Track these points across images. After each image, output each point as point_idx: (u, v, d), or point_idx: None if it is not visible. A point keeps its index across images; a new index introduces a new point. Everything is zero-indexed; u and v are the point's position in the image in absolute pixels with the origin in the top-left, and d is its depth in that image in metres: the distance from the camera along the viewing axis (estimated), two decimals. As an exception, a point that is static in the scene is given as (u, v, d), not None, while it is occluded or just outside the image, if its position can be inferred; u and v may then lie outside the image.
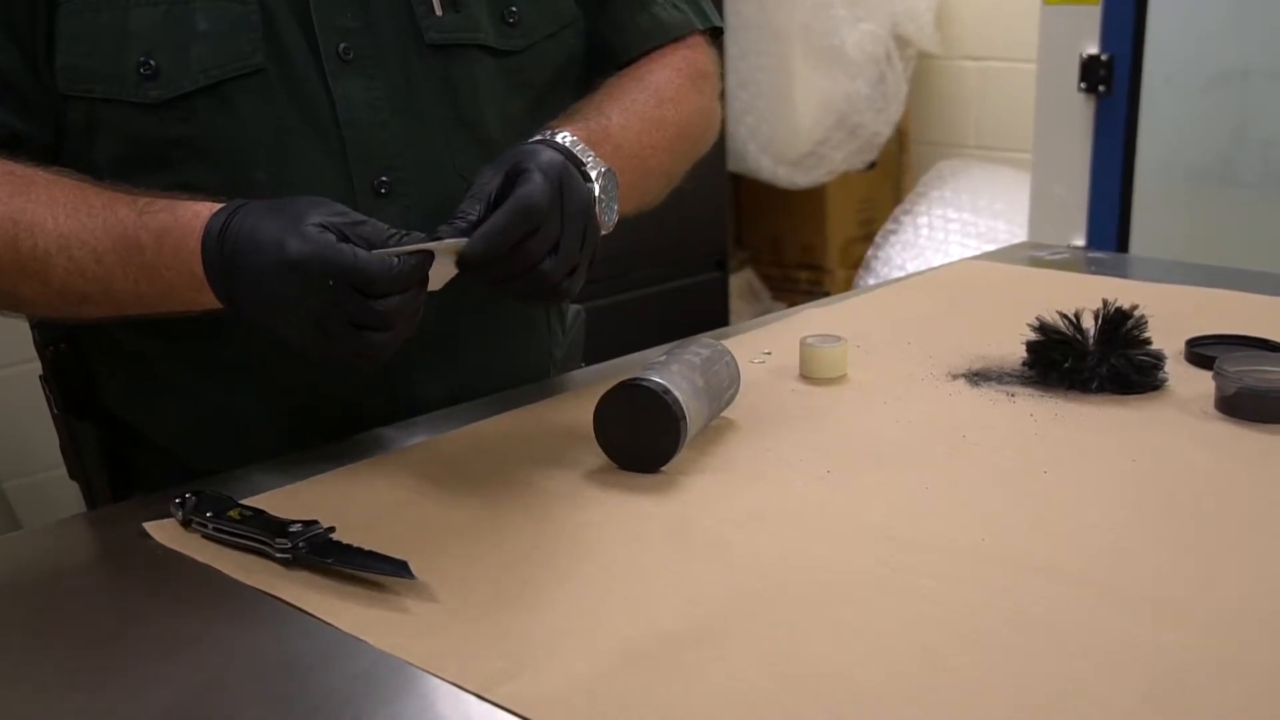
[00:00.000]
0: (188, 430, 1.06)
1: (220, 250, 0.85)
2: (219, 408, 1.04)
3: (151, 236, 0.88)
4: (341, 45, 0.97)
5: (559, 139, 0.94)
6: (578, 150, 0.94)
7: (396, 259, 0.82)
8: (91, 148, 0.97)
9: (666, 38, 1.13)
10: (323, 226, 0.82)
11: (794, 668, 0.63)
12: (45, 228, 0.90)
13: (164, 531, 0.82)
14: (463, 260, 0.85)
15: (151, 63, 0.93)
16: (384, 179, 0.99)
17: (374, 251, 0.81)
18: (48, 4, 0.93)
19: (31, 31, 0.94)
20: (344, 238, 0.82)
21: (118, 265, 0.89)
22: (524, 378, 1.12)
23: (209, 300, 0.87)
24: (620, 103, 1.06)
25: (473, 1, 1.02)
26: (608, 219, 0.95)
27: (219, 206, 0.87)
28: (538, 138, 0.95)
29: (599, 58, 1.12)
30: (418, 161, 1.00)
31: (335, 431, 0.99)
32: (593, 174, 0.93)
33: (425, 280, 0.84)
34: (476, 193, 0.88)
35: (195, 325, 0.92)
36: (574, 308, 1.29)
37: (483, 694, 0.62)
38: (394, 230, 0.84)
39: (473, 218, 0.86)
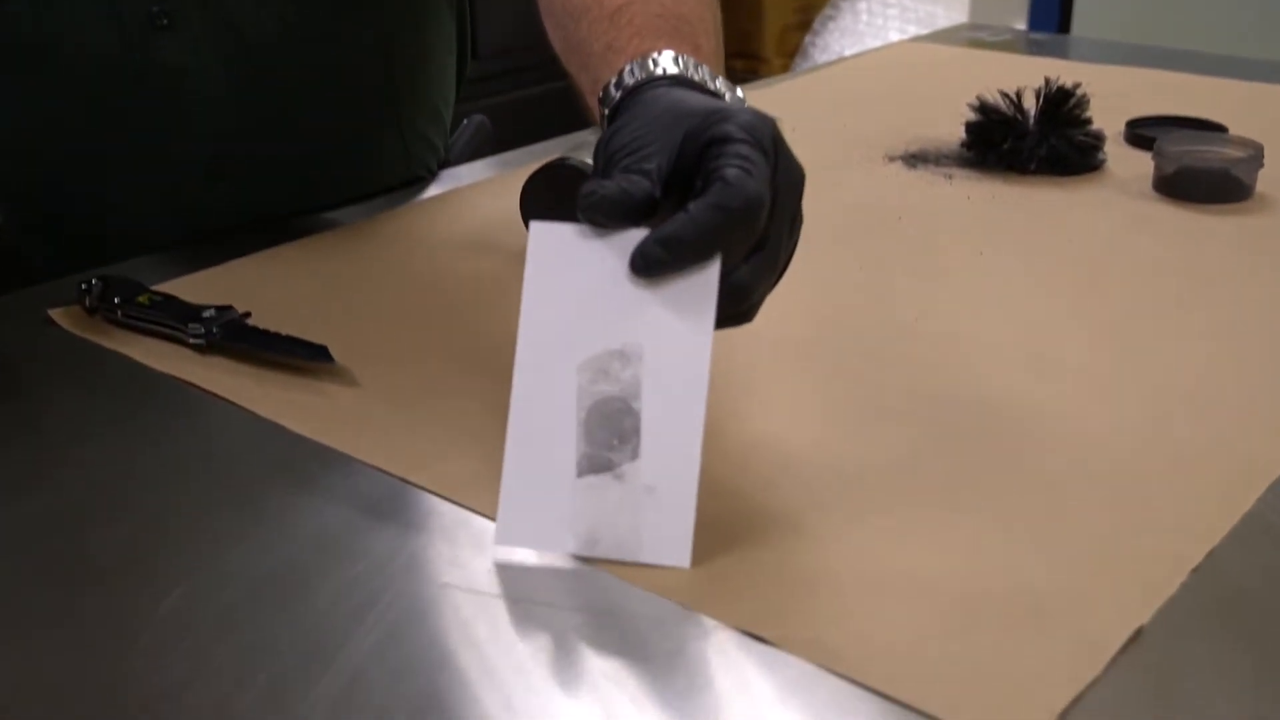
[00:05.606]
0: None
1: None
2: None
3: None
4: None
5: (735, 92, 0.68)
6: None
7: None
8: None
9: None
10: None
11: (728, 443, 0.62)
12: None
13: (70, 318, 0.78)
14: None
15: None
16: (155, 9, 0.88)
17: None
18: None
19: None
20: None
21: None
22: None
23: None
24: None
25: None
26: None
27: None
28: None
29: None
30: None
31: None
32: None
33: None
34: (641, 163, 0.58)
35: None
36: (476, 118, 1.19)
37: (407, 477, 0.61)
38: None
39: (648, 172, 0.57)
